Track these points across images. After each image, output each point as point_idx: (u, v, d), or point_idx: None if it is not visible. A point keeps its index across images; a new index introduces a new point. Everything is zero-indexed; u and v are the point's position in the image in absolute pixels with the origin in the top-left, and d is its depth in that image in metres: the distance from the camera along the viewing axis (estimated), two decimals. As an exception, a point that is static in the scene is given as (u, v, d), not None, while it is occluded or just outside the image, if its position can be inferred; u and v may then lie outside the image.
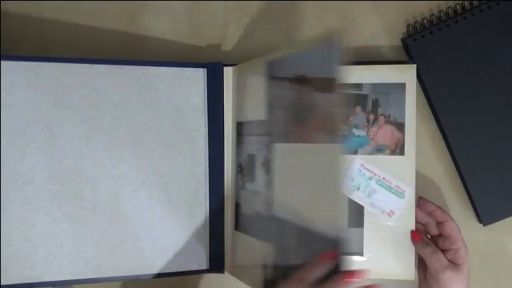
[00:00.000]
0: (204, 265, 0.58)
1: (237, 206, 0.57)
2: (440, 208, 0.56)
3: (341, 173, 0.42)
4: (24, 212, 0.53)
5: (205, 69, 0.57)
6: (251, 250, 0.55)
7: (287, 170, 0.50)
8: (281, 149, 0.51)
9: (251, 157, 0.55)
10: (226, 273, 0.58)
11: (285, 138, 0.50)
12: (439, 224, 0.56)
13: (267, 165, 0.52)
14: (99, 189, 0.55)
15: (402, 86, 0.57)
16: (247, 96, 0.56)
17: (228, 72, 0.58)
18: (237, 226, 0.57)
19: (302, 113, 0.48)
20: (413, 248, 0.56)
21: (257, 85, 0.54)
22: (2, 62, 0.51)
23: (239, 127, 0.57)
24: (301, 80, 0.48)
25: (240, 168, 0.57)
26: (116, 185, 0.55)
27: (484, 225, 0.60)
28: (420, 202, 0.57)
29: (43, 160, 0.53)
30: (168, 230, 0.57)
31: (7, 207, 0.52)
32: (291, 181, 0.49)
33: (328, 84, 0.44)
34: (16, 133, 0.52)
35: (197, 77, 0.57)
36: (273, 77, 0.52)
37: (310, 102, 0.47)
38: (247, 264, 0.56)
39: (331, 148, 0.44)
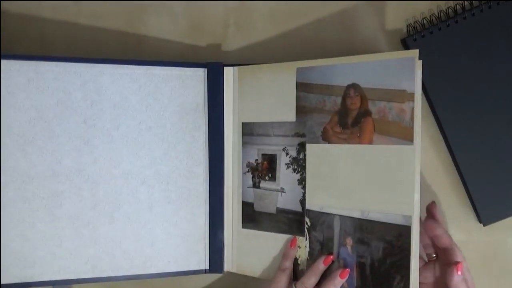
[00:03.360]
0: (203, 265, 0.58)
1: (246, 204, 0.58)
2: (447, 233, 0.51)
3: (412, 169, 0.48)
4: (24, 211, 0.53)
5: (205, 69, 0.57)
6: (267, 245, 0.57)
7: (323, 168, 0.53)
8: (316, 149, 0.54)
9: (270, 157, 0.56)
10: (226, 272, 0.58)
11: (322, 139, 0.53)
12: (442, 249, 0.51)
13: (298, 164, 0.55)
14: (99, 188, 0.55)
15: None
16: (265, 98, 0.56)
17: (228, 72, 0.58)
18: (246, 224, 0.58)
19: (348, 118, 0.52)
20: None
21: (283, 89, 0.55)
22: (2, 61, 0.51)
23: (246, 127, 0.57)
24: (353, 88, 0.51)
25: (248, 168, 0.57)
26: (116, 184, 0.55)
27: (484, 225, 0.60)
28: (426, 222, 0.52)
29: (43, 159, 0.53)
30: (168, 230, 0.57)
31: (7, 206, 0.52)
32: (335, 178, 0.52)
33: (396, 95, 0.49)
34: (16, 132, 0.52)
35: (198, 77, 0.57)
36: (306, 83, 0.54)
37: (365, 109, 0.51)
38: (261, 259, 0.57)
39: (399, 149, 0.49)
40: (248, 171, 0.58)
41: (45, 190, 0.53)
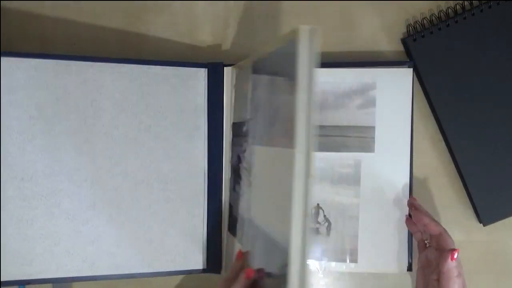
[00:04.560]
0: (200, 264, 0.58)
1: (230, 207, 0.57)
2: (434, 220, 0.53)
3: (295, 181, 0.37)
4: (23, 209, 0.53)
5: (206, 69, 0.57)
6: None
7: (261, 174, 0.48)
8: (258, 151, 0.48)
9: (239, 159, 0.55)
10: (224, 273, 0.58)
11: (262, 141, 0.48)
12: (433, 236, 0.53)
13: (249, 167, 0.52)
14: (98, 187, 0.55)
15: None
16: (239, 96, 0.56)
17: (228, 72, 0.58)
18: (229, 228, 0.57)
19: (272, 116, 0.45)
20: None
21: (245, 85, 0.53)
22: (2, 58, 0.52)
23: (234, 127, 0.57)
24: (272, 81, 0.45)
25: (232, 170, 0.57)
26: (115, 183, 0.55)
27: (484, 225, 0.59)
28: (414, 213, 0.55)
29: (42, 157, 0.53)
30: (166, 229, 0.57)
31: (6, 204, 0.52)
32: (262, 185, 0.47)
33: (292, 86, 0.38)
34: (16, 130, 0.52)
35: (198, 77, 0.57)
36: (256, 76, 0.51)
37: (276, 104, 0.43)
38: None
39: (287, 153, 0.39)
40: (232, 173, 0.57)
41: (44, 188, 0.53)
